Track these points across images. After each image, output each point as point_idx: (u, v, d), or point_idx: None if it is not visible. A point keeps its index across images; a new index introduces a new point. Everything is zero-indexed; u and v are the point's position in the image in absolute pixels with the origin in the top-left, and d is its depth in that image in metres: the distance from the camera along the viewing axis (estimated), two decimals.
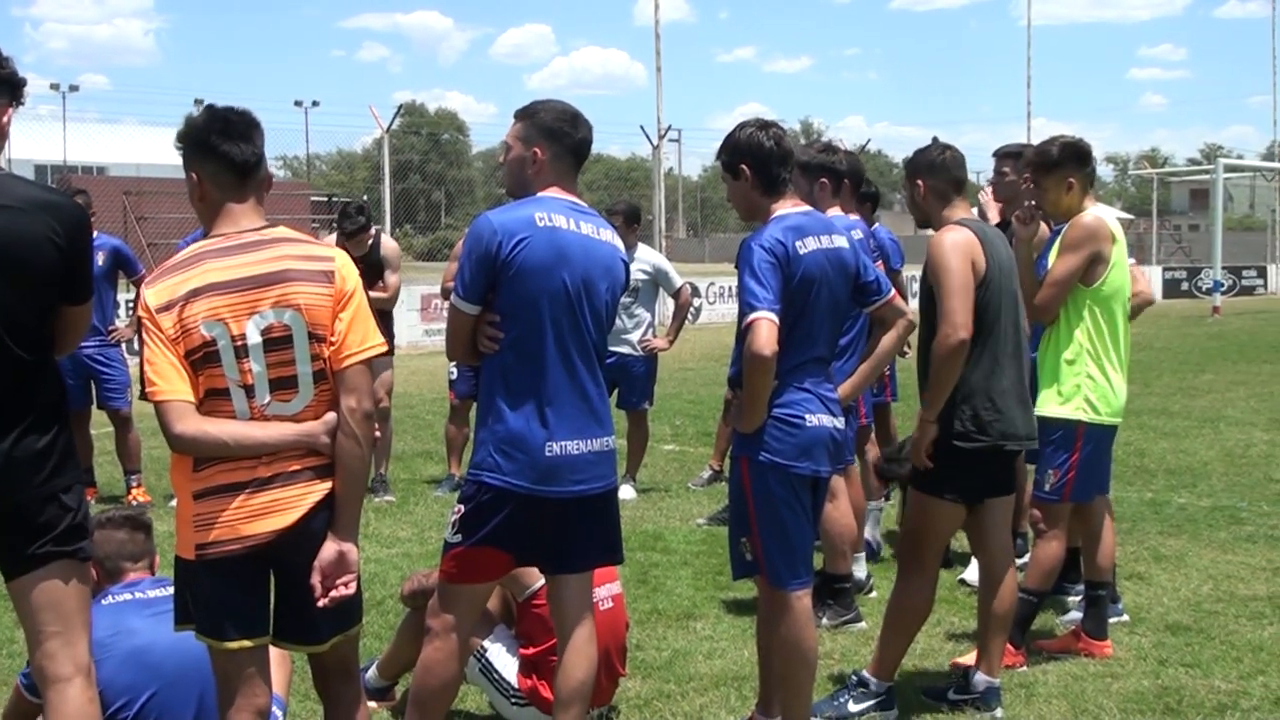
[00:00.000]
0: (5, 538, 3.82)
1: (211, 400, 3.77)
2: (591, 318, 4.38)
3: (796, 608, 4.84)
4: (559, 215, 4.37)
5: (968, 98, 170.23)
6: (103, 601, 4.61)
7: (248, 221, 3.88)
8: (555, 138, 4.45)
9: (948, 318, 5.10)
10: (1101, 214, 5.93)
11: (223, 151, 3.85)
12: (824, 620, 6.51)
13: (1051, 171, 5.91)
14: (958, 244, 5.21)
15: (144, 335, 3.77)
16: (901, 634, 5.41)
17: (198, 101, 54.62)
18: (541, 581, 5.06)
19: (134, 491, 9.70)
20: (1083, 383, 5.82)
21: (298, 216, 19.99)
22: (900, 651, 5.43)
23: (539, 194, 4.43)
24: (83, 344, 9.48)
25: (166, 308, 3.74)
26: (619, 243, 4.57)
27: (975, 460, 5.22)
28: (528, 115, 4.49)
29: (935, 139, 5.63)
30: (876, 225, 8.77)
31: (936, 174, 5.46)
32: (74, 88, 72.51)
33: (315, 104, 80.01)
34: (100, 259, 9.62)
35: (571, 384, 4.34)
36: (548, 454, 4.28)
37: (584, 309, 4.35)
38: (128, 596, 4.65)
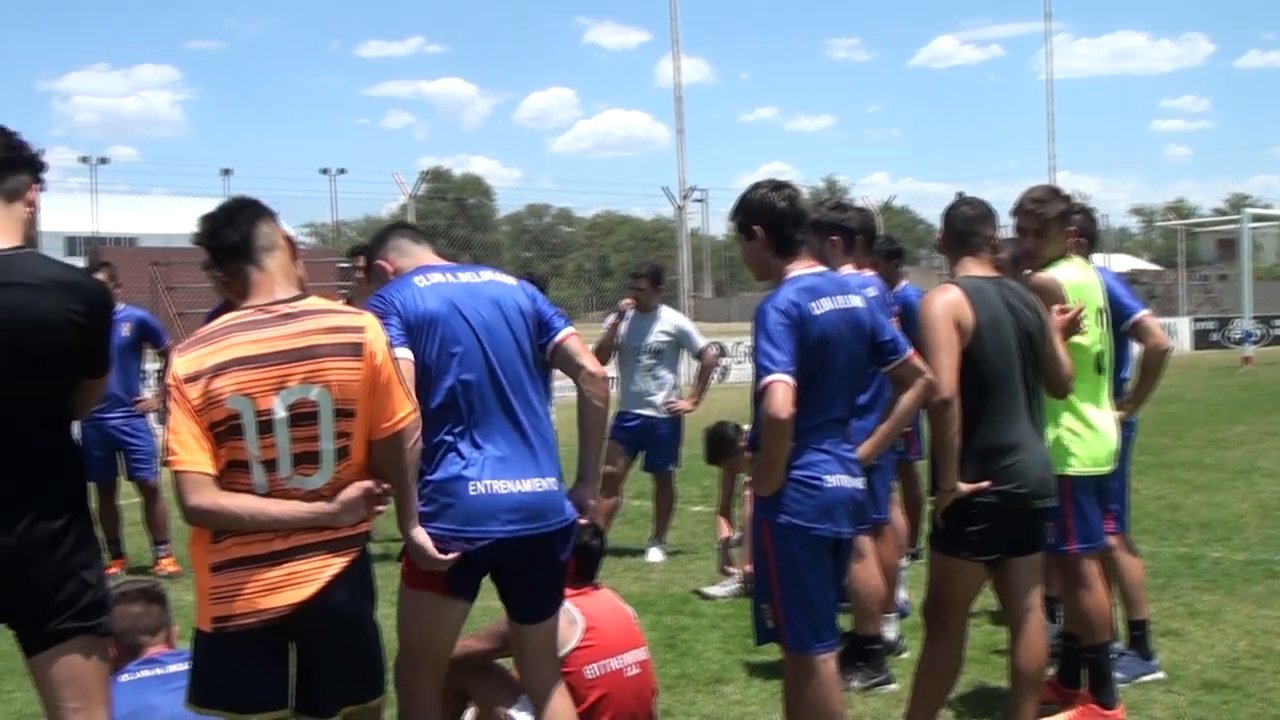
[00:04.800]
0: (25, 614, 3.83)
1: (232, 472, 3.78)
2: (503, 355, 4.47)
3: (822, 671, 4.79)
4: (435, 274, 4.54)
5: (991, 152, 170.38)
6: (121, 678, 4.60)
7: (280, 290, 3.93)
8: (385, 239, 4.83)
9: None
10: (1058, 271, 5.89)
11: (214, 246, 4.02)
12: (854, 683, 6.44)
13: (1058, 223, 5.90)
14: (939, 304, 5.17)
15: (170, 403, 3.79)
16: (931, 697, 5.33)
17: (225, 171, 55.28)
18: (571, 644, 5.05)
19: (162, 562, 9.72)
20: (1062, 435, 5.74)
21: (325, 284, 20.10)
22: (931, 714, 5.36)
23: (413, 269, 4.62)
24: (109, 415, 9.64)
25: (194, 378, 3.76)
26: (501, 277, 4.70)
27: (984, 518, 5.15)
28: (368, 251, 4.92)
29: (959, 194, 5.62)
30: (904, 283, 8.76)
31: (945, 228, 5.48)
32: (103, 160, 73.35)
33: (342, 171, 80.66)
34: (126, 330, 9.72)
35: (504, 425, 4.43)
36: (472, 494, 4.31)
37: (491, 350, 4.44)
38: (147, 673, 4.64)
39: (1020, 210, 5.96)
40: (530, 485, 4.38)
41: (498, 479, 4.33)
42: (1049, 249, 5.91)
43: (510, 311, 4.52)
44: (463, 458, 4.32)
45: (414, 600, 4.44)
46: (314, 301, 3.94)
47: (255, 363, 3.75)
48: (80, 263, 10.13)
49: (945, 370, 5.04)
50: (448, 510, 4.29)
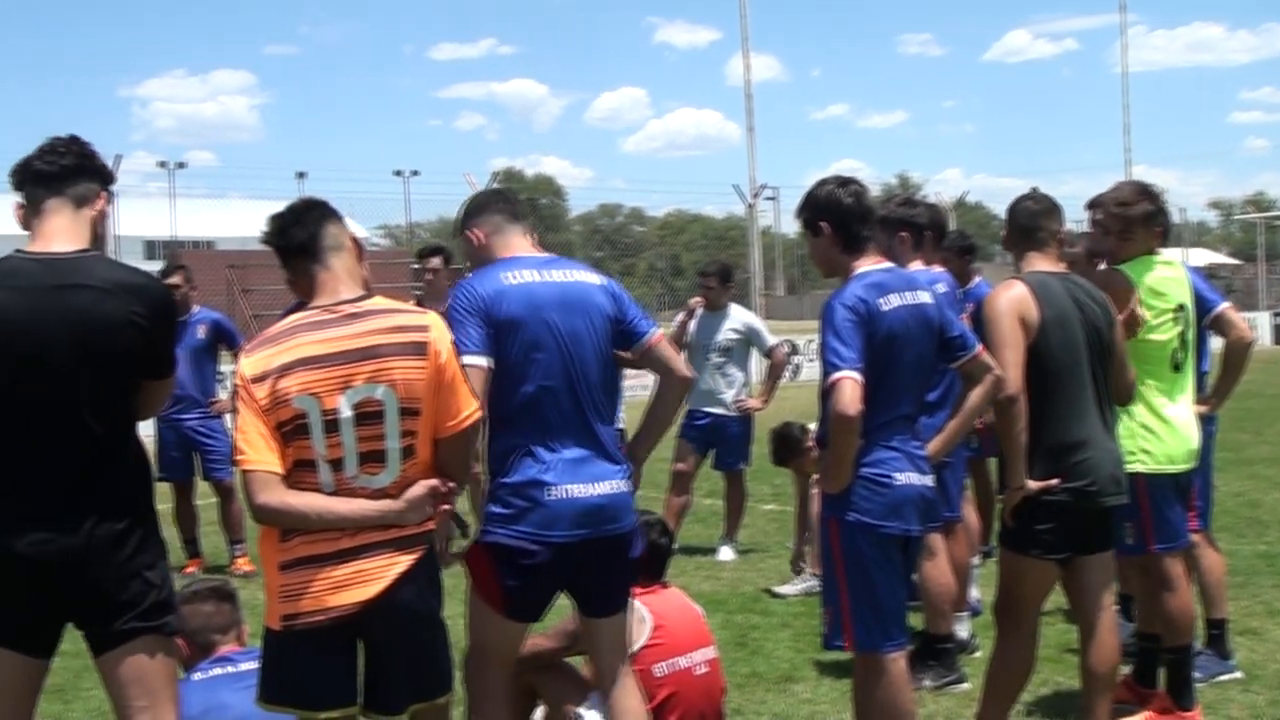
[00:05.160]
0: (91, 615, 3.89)
1: (299, 471, 3.82)
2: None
3: (891, 670, 4.76)
4: (525, 271, 4.46)
5: (1066, 147, 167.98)
6: (194, 677, 4.65)
7: (345, 290, 3.97)
8: (482, 209, 4.69)
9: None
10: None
11: (282, 245, 4.05)
12: (926, 682, 6.40)
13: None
14: (1003, 300, 5.12)
15: (238, 403, 3.85)
16: (1002, 696, 5.28)
17: (300, 175, 55.91)
18: (640, 642, 5.05)
19: (238, 561, 9.82)
20: (1137, 433, 5.65)
21: (399, 285, 20.29)
22: (1003, 714, 5.30)
23: (502, 258, 4.55)
24: (186, 416, 9.77)
25: (260, 378, 3.81)
26: (589, 276, 4.61)
27: (1053, 516, 5.08)
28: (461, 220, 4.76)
29: (1034, 189, 5.55)
30: (978, 279, 8.68)
31: (1009, 222, 5.43)
32: (181, 165, 74.12)
33: (415, 173, 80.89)
34: (201, 332, 9.84)
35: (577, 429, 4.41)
36: (550, 498, 4.31)
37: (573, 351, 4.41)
38: (219, 671, 4.69)
39: (1105, 210, 5.85)
40: (605, 488, 4.39)
41: (574, 483, 4.33)
42: (1131, 248, 5.82)
43: (595, 316, 4.48)
44: (540, 462, 4.32)
45: (478, 605, 4.46)
46: (378, 301, 3.97)
47: (321, 362, 3.79)
48: (158, 266, 10.27)
49: (1010, 366, 4.98)
50: (526, 515, 4.30)
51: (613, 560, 4.49)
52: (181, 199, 65.82)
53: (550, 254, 4.62)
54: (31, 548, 3.78)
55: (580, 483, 4.35)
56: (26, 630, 3.89)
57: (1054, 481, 5.01)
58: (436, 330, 3.94)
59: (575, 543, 4.33)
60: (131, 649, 3.89)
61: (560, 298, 4.43)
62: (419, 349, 3.87)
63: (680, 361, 4.79)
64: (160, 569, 3.99)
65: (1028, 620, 5.25)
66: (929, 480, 4.87)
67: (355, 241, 4.11)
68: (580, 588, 4.52)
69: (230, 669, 4.66)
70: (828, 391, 4.63)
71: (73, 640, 4.05)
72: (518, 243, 4.60)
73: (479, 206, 4.72)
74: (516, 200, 4.82)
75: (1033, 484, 5.01)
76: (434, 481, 3.88)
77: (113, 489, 3.89)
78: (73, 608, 3.89)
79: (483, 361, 4.28)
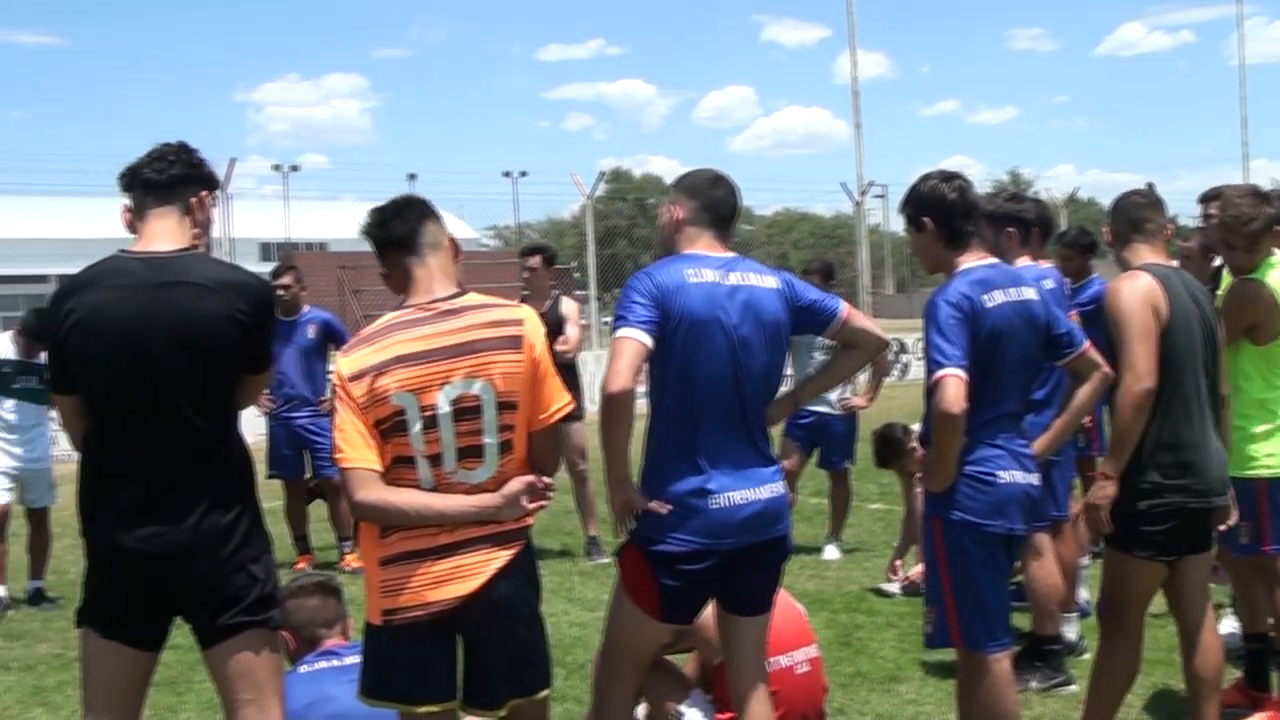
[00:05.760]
0: (197, 609, 3.96)
1: (398, 467, 3.86)
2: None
3: (995, 670, 4.70)
4: (708, 270, 4.37)
5: (1182, 141, 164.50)
6: (299, 669, 4.72)
7: (440, 288, 3.99)
8: (692, 190, 4.52)
9: (1131, 367, 4.87)
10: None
11: (381, 238, 4.07)
12: (1033, 683, 6.31)
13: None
14: (1136, 290, 4.98)
15: (336, 402, 3.89)
16: (1107, 699, 5.18)
17: (410, 176, 56.66)
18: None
19: (347, 557, 9.94)
20: (1254, 436, 5.51)
21: (508, 284, 20.43)
22: (1107, 717, 5.21)
23: (688, 251, 4.46)
24: (296, 414, 9.92)
25: (358, 377, 3.85)
26: (767, 281, 4.50)
27: (1163, 517, 4.97)
28: (674, 183, 4.62)
29: (1149, 184, 5.46)
30: (1093, 276, 8.55)
31: (1113, 217, 5.31)
32: (295, 168, 75.76)
33: (523, 174, 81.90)
34: (311, 331, 9.98)
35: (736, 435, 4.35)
36: (714, 507, 4.27)
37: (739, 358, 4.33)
38: (324, 664, 4.76)
39: (1228, 228, 5.69)
40: (765, 492, 4.36)
41: (736, 489, 4.30)
42: (1258, 257, 5.66)
43: (767, 322, 4.39)
44: (702, 470, 4.28)
45: (627, 605, 4.44)
46: (472, 297, 4.00)
47: (418, 360, 3.83)
48: (272, 267, 10.45)
49: (1144, 359, 4.85)
50: (689, 522, 4.26)
51: (768, 561, 4.46)
52: (295, 201, 67.13)
53: (733, 254, 4.52)
54: (139, 542, 3.86)
55: (742, 489, 4.30)
56: (134, 624, 3.97)
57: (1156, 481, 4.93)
58: (530, 324, 3.97)
59: (737, 547, 4.31)
60: (237, 644, 3.95)
61: (736, 302, 4.35)
62: (515, 343, 3.90)
63: (876, 325, 4.80)
64: (264, 563, 4.05)
65: (1132, 622, 5.15)
66: (1034, 479, 4.80)
67: (452, 241, 4.13)
68: (732, 588, 4.45)
69: (335, 662, 4.73)
70: (931, 389, 4.59)
71: (185, 633, 4.13)
72: (707, 240, 4.50)
73: (693, 187, 4.56)
74: (730, 199, 4.59)
75: (1109, 487, 4.91)
76: (531, 477, 3.90)
77: (217, 483, 3.95)
78: (179, 602, 3.97)
79: (642, 337, 4.22)
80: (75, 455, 4.15)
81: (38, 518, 9.37)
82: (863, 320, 4.66)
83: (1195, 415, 5.01)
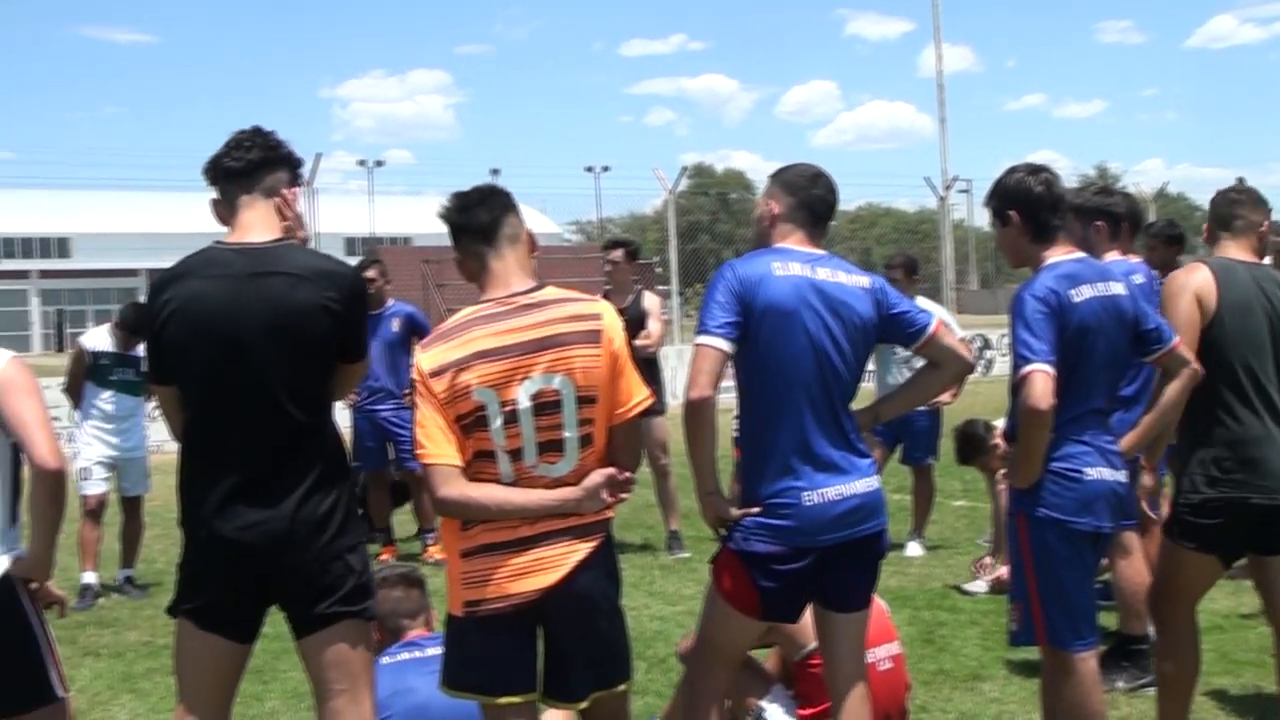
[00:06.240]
0: (294, 598, 4.00)
1: (479, 462, 3.87)
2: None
3: (1081, 670, 4.64)
4: (794, 264, 4.34)
5: (1274, 135, 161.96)
6: (383, 660, 4.75)
7: (517, 282, 3.98)
8: (792, 188, 4.48)
9: None
10: None
11: (461, 223, 4.04)
12: (1119, 683, 6.23)
13: None
14: (1181, 281, 5.00)
15: (417, 398, 3.90)
16: (1175, 693, 5.10)
17: (494, 171, 56.97)
18: (816, 642, 5.01)
19: (430, 549, 10.00)
20: None
21: (591, 279, 20.48)
22: (1181, 711, 5.12)
23: (776, 245, 4.44)
24: (381, 407, 10.00)
25: (439, 372, 3.85)
26: (855, 279, 4.45)
27: (1215, 511, 4.89)
28: (773, 176, 4.58)
29: (1239, 179, 5.39)
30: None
31: (1210, 212, 5.26)
32: (379, 163, 76.38)
33: (606, 169, 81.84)
34: (395, 325, 10.05)
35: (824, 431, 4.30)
36: (808, 504, 4.24)
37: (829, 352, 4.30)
38: (406, 655, 4.78)
39: None
40: (861, 486, 4.31)
41: (830, 485, 4.26)
42: None
43: (854, 319, 4.34)
44: (793, 466, 4.24)
45: (723, 606, 4.41)
46: (551, 291, 3.98)
47: (497, 355, 3.83)
48: (356, 262, 10.53)
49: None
50: (783, 520, 4.24)
51: (865, 557, 4.42)
52: (379, 196, 67.71)
53: (823, 252, 4.49)
54: (238, 532, 3.90)
55: (836, 484, 4.26)
56: (232, 615, 4.02)
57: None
58: (609, 318, 3.96)
59: (833, 545, 4.28)
60: (333, 634, 3.98)
61: (823, 296, 4.30)
62: (593, 337, 3.89)
63: (964, 349, 4.71)
64: (360, 553, 4.08)
65: (1181, 613, 5.09)
66: (1122, 476, 4.73)
67: (530, 235, 4.11)
68: (829, 584, 4.40)
69: (418, 654, 4.75)
70: (1018, 385, 4.53)
71: (272, 623, 4.17)
72: (799, 237, 4.46)
73: (791, 183, 4.52)
74: (828, 198, 4.55)
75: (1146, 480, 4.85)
76: (611, 470, 3.89)
77: (313, 472, 3.98)
78: (276, 591, 4.01)
79: (719, 344, 4.21)
80: (171, 445, 4.19)
81: (131, 506, 9.55)
82: (951, 340, 4.57)
83: (1259, 409, 4.92)
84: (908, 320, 4.46)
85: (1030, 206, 4.74)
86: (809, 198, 4.49)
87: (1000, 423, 8.88)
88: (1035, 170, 4.79)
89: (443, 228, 4.12)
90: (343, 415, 10.21)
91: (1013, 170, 4.84)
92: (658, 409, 9.10)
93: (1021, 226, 4.76)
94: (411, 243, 55.91)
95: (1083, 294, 4.63)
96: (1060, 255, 4.74)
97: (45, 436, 3.99)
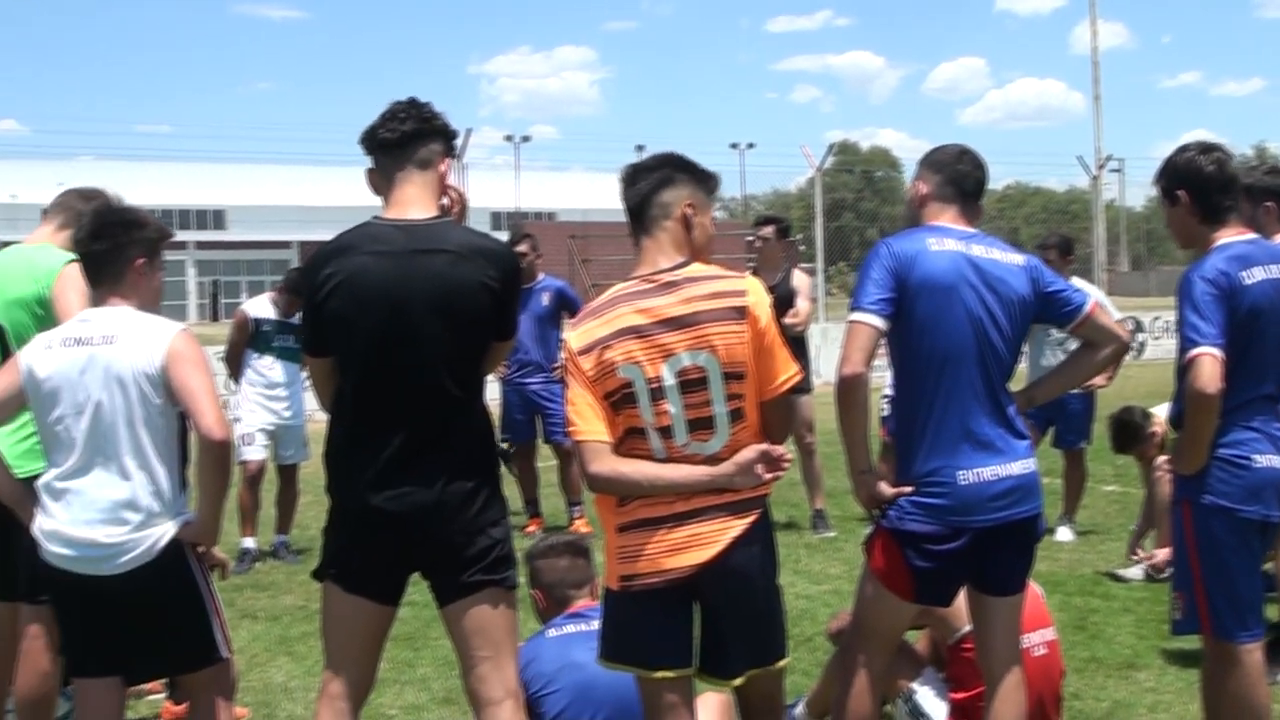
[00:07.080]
0: (440, 567, 4.07)
1: (631, 439, 3.89)
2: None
3: (1246, 662, 4.53)
4: (950, 240, 4.31)
5: None
6: (549, 633, 4.79)
7: (664, 259, 3.96)
8: (940, 166, 4.48)
9: None
10: None
11: (625, 198, 4.05)
12: None
13: None
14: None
15: (567, 375, 3.94)
16: None
17: (638, 147, 57.14)
18: (970, 625, 4.95)
19: (576, 522, 10.09)
20: None
21: (734, 256, 20.44)
22: None
23: (931, 223, 4.42)
24: (530, 380, 10.09)
25: (587, 350, 3.88)
26: (1010, 257, 4.41)
27: None
28: (921, 159, 4.57)
29: None
30: None
31: None
32: (526, 138, 76.99)
33: (750, 146, 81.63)
34: (546, 299, 10.13)
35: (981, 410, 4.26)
36: (963, 482, 4.20)
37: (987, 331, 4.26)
38: (572, 628, 4.80)
39: None
40: (1017, 468, 4.26)
41: (986, 466, 4.22)
42: None
43: (1011, 299, 4.30)
44: (949, 445, 4.21)
45: (877, 588, 4.39)
46: (696, 268, 3.95)
47: (642, 332, 3.83)
48: (503, 237, 10.64)
49: None
50: (939, 499, 4.21)
51: (1022, 540, 4.37)
52: (525, 171, 68.33)
53: (978, 230, 4.46)
54: (389, 502, 3.97)
55: (993, 464, 4.22)
56: (379, 579, 4.10)
57: None
58: (755, 294, 3.92)
59: (989, 526, 4.24)
60: (476, 600, 4.04)
61: (980, 273, 4.27)
62: (738, 314, 3.85)
63: (1119, 328, 4.62)
64: (503, 526, 4.13)
65: None
66: None
67: (686, 209, 4.04)
68: (984, 567, 4.35)
69: (584, 626, 4.73)
70: (1185, 368, 4.43)
71: (423, 591, 4.25)
72: (952, 214, 4.44)
73: (937, 162, 4.53)
74: (975, 173, 4.54)
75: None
76: (764, 446, 3.84)
77: (464, 448, 4.05)
78: (422, 559, 4.08)
79: (873, 321, 4.21)
80: (323, 415, 4.28)
81: (288, 474, 9.78)
82: (1107, 320, 4.49)
83: None
84: (1064, 299, 4.40)
85: (1200, 186, 4.63)
86: (955, 174, 4.47)
87: (1158, 410, 8.72)
88: (1207, 149, 4.67)
89: (587, 203, 4.19)
90: (492, 388, 10.36)
91: (1184, 149, 4.72)
92: (804, 387, 9.06)
93: (1190, 206, 4.65)
94: (555, 218, 56.33)
95: (1254, 276, 4.51)
96: (1231, 236, 4.62)
97: (212, 407, 4.11)
